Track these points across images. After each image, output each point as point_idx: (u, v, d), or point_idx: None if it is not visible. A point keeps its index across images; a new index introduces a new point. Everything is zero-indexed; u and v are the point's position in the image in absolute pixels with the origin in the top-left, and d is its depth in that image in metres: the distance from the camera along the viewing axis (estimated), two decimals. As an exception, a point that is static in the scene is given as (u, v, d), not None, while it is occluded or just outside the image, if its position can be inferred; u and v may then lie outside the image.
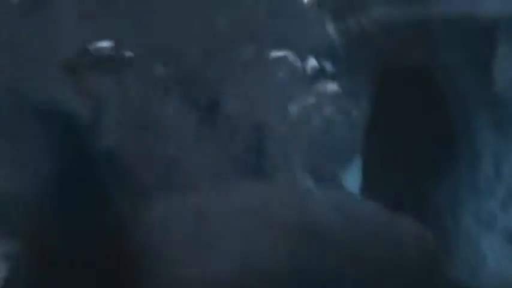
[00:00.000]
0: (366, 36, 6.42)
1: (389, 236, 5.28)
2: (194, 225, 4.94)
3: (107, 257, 5.03)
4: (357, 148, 6.63)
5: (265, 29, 5.76)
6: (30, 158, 5.28)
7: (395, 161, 6.56)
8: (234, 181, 5.33)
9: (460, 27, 6.39)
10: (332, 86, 6.40)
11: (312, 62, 6.09)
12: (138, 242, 4.97)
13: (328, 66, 6.30)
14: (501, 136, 6.45)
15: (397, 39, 6.40)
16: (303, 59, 5.90)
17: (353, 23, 6.39)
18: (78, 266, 5.06)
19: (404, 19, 6.38)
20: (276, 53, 5.75)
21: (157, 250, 4.92)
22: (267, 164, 5.49)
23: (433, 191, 6.68)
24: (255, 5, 5.79)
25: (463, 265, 6.55)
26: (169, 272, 4.88)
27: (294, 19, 6.16)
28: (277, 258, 4.88)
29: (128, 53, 5.43)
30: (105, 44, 5.40)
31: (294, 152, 5.72)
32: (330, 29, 6.24)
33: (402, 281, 6.07)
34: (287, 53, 5.82)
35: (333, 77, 6.34)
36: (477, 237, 6.54)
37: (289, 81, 5.84)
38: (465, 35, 6.41)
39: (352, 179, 6.59)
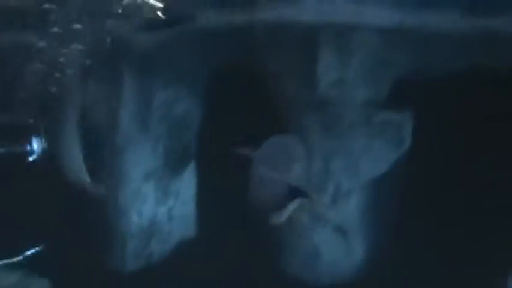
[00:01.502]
0: (193, 43, 6.73)
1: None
2: None
3: None
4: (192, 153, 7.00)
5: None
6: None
7: (228, 166, 6.88)
8: None
9: (283, 34, 6.64)
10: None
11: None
12: None
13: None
14: (327, 134, 6.73)
15: (223, 45, 6.66)
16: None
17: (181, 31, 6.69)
18: None
19: (231, 26, 6.64)
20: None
21: None
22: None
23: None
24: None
25: (298, 259, 6.92)
26: None
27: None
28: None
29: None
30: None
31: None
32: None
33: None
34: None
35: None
36: (310, 232, 6.87)
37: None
38: (288, 41, 6.67)
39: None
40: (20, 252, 6.65)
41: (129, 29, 6.68)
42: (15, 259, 6.43)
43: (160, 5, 6.60)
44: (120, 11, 6.44)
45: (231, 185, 6.91)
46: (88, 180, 6.20)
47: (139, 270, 6.96)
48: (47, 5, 6.34)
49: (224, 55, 6.70)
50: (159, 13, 6.52)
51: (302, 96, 6.72)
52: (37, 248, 6.82)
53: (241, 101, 6.73)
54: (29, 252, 6.71)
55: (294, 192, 5.27)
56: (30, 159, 6.78)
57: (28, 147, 6.67)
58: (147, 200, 6.93)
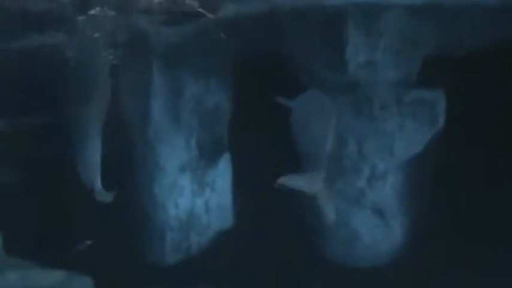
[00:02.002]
0: (219, 35, 6.72)
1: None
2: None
3: None
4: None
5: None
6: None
7: (263, 157, 6.90)
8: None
9: (309, 18, 6.61)
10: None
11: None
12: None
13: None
14: (359, 116, 6.71)
15: (247, 35, 6.65)
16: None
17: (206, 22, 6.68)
18: None
19: (253, 15, 6.62)
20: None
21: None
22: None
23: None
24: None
25: (337, 243, 6.91)
26: None
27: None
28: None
29: None
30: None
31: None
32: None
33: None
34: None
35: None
36: (347, 215, 6.86)
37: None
38: (314, 25, 6.64)
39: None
40: (62, 251, 6.72)
41: (156, 22, 6.67)
42: (57, 258, 6.48)
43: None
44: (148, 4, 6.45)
45: (266, 174, 6.92)
46: (99, 185, 6.17)
47: (179, 263, 6.99)
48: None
49: (250, 45, 6.66)
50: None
51: (331, 80, 6.69)
52: (80, 246, 6.88)
53: (271, 89, 6.70)
54: (71, 251, 6.77)
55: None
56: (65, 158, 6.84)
57: (62, 148, 6.72)
58: (184, 193, 6.96)
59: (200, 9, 6.79)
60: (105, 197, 6.15)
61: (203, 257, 7.13)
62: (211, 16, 6.70)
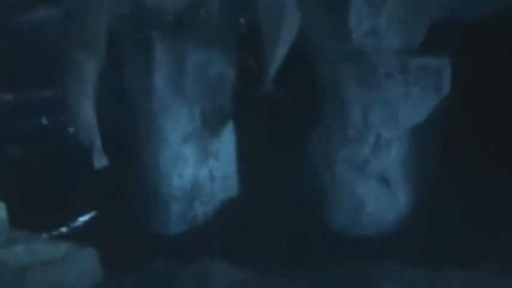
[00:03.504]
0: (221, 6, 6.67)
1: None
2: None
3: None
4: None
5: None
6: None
7: (265, 123, 6.88)
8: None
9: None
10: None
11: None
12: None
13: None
14: (365, 85, 6.67)
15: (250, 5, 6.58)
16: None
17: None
18: None
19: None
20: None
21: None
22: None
23: (305, 142, 7.01)
24: None
25: (342, 212, 6.92)
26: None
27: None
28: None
29: None
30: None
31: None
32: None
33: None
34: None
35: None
36: (352, 183, 6.86)
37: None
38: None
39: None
40: (67, 223, 6.73)
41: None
42: (62, 230, 6.50)
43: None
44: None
45: (270, 141, 6.93)
46: (98, 146, 6.11)
47: (184, 233, 7.01)
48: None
49: (251, 15, 6.60)
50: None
51: (335, 49, 6.65)
52: (84, 218, 6.90)
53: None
54: (76, 222, 6.79)
55: None
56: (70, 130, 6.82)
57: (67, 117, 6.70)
58: (188, 162, 6.95)
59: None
60: (103, 160, 6.09)
61: (208, 226, 7.13)
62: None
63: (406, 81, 6.59)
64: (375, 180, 6.84)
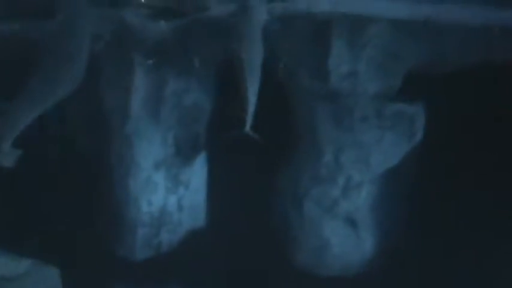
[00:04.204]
0: (204, 34, 6.72)
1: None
2: None
3: None
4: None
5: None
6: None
7: (239, 158, 6.89)
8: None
9: (297, 26, 6.62)
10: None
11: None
12: None
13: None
14: (338, 126, 6.71)
15: (233, 37, 6.63)
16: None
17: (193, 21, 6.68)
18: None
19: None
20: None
21: None
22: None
23: (276, 180, 7.03)
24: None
25: (307, 251, 6.92)
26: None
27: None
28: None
29: None
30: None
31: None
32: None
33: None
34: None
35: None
36: (320, 223, 6.88)
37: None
38: (301, 33, 6.64)
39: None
40: (29, 241, 6.68)
41: (141, 16, 6.65)
42: (23, 248, 6.45)
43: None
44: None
45: (241, 175, 6.93)
46: (7, 145, 6.04)
47: (149, 259, 6.98)
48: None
49: (234, 46, 6.64)
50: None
51: (313, 88, 6.70)
52: (48, 235, 6.85)
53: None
54: (38, 241, 6.74)
55: None
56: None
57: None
58: (157, 189, 6.94)
59: (187, 7, 6.78)
60: (9, 159, 6.03)
61: (173, 255, 7.11)
62: (198, 15, 6.69)
63: (381, 125, 6.64)
64: (343, 222, 6.85)
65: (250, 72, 6.27)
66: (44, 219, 6.97)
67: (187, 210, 7.10)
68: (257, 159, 6.98)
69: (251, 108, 6.19)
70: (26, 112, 6.05)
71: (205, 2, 6.77)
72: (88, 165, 6.89)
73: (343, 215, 6.84)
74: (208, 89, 6.98)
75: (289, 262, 6.88)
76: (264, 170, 7.01)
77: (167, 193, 7.01)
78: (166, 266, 6.91)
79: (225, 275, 6.77)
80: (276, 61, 6.75)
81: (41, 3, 6.43)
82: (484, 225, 6.55)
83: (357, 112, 6.61)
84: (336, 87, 6.61)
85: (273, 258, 6.86)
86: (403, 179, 6.89)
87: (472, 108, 6.58)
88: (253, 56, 6.34)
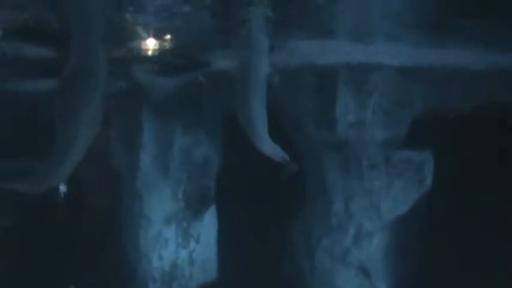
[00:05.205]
0: (210, 88, 6.78)
1: None
2: None
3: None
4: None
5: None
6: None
7: (247, 209, 6.88)
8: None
9: (301, 77, 6.68)
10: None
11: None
12: None
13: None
14: (347, 175, 6.72)
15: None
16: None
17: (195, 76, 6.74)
18: None
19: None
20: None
21: None
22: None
23: (287, 230, 7.01)
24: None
25: (320, 300, 6.87)
26: None
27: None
28: None
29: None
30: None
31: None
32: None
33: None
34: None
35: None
36: (332, 273, 6.83)
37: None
38: (306, 84, 6.70)
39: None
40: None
41: (150, 72, 6.72)
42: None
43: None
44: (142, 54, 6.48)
45: (252, 229, 6.92)
46: None
47: (161, 315, 6.92)
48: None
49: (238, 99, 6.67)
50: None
51: (321, 138, 6.73)
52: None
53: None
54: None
55: None
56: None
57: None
58: (168, 244, 6.92)
59: (193, 62, 6.85)
60: None
61: (185, 309, 7.05)
62: (203, 69, 6.76)
63: (389, 173, 6.65)
64: (355, 271, 6.81)
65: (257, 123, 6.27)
66: (56, 278, 6.92)
67: (198, 264, 7.07)
68: (267, 209, 6.98)
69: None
70: (56, 168, 6.00)
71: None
72: (99, 221, 6.86)
73: (355, 264, 6.79)
74: (217, 142, 7.00)
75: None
76: (275, 220, 7.00)
77: (178, 247, 6.98)
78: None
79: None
80: (281, 113, 6.79)
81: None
82: (496, 267, 6.53)
83: (365, 160, 6.63)
84: (343, 135, 6.64)
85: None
86: (414, 226, 6.86)
87: (479, 152, 6.62)
88: (258, 107, 6.35)
